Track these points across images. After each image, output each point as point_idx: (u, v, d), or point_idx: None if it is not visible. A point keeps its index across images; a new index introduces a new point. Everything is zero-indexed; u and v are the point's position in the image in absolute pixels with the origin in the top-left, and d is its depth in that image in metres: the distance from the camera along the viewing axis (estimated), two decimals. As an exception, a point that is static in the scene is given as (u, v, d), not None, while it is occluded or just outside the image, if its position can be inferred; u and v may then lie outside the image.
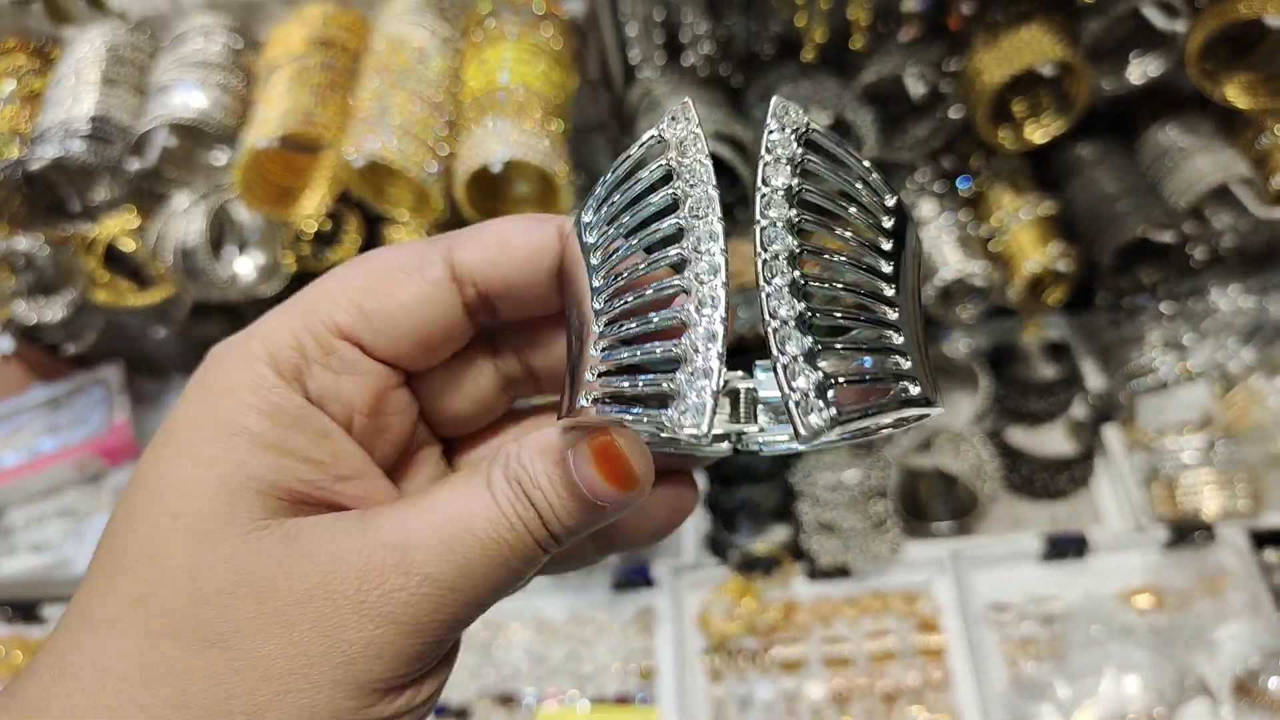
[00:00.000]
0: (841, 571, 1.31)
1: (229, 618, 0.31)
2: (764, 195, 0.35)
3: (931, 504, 1.33)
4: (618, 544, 0.41)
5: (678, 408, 0.33)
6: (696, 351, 0.33)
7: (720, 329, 0.33)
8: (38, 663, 0.32)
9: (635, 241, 0.35)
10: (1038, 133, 1.17)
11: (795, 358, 0.33)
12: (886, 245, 0.37)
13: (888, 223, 0.37)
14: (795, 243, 0.34)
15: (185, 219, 1.14)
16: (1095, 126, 1.32)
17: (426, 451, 0.42)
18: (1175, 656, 1.15)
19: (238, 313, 1.31)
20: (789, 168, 0.35)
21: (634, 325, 0.34)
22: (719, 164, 1.14)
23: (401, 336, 0.36)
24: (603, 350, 0.35)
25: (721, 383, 0.33)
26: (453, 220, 1.12)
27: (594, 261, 0.36)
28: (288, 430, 0.34)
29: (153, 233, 1.13)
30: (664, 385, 0.33)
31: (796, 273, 0.34)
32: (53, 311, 1.24)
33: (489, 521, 0.33)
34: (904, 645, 1.26)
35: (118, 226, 1.14)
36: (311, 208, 1.11)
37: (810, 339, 0.33)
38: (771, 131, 0.35)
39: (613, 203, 0.36)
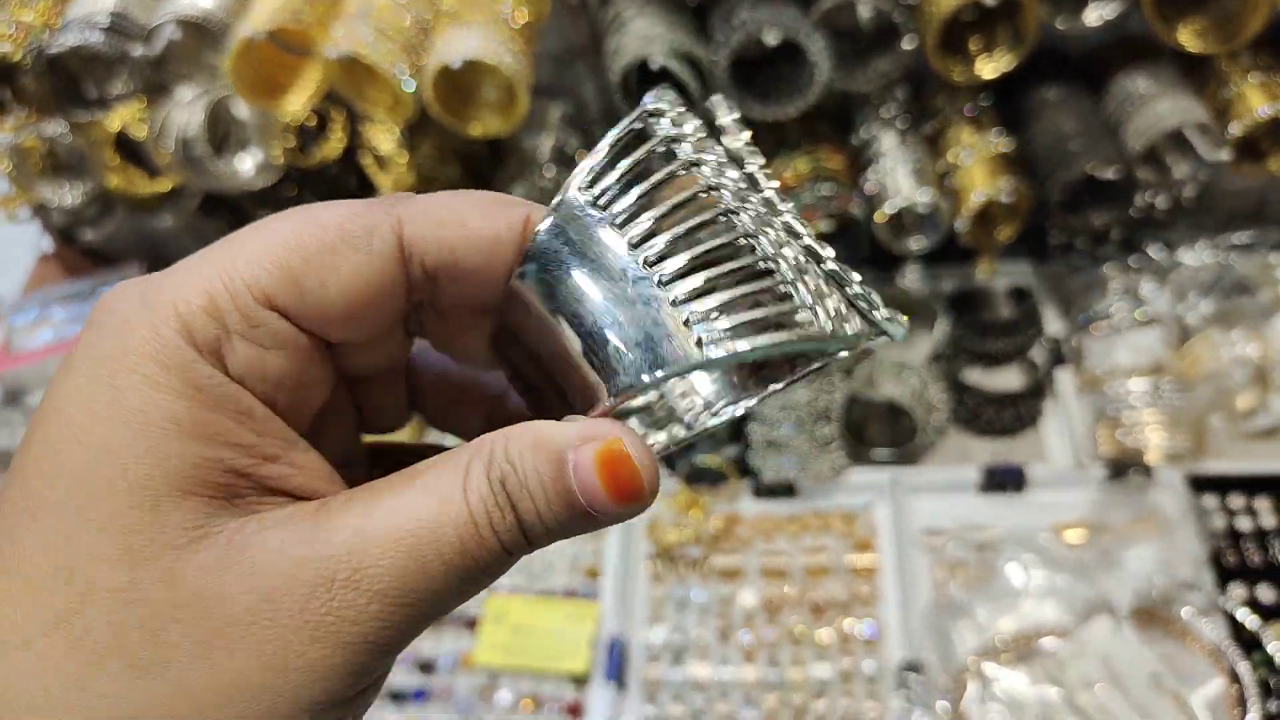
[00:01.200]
0: (786, 490, 1.35)
1: (161, 642, 0.28)
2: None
3: (876, 431, 1.37)
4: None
5: (830, 317, 0.30)
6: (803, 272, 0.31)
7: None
8: None
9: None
10: (988, 67, 1.20)
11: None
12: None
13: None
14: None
15: (187, 110, 1.24)
16: (1067, 75, 1.35)
17: (344, 419, 0.37)
18: (1093, 581, 1.17)
19: (242, 209, 1.41)
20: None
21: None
22: (673, 80, 1.20)
23: (335, 309, 0.31)
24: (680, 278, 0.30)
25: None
26: (423, 121, 1.21)
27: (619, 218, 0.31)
28: (209, 413, 0.29)
29: (157, 121, 1.24)
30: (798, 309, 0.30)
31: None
32: (73, 196, 1.36)
33: (457, 533, 0.29)
34: (838, 563, 1.31)
35: (130, 114, 1.25)
36: (299, 104, 1.21)
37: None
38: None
39: (618, 169, 0.32)
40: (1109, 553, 1.18)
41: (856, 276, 0.32)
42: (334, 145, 1.25)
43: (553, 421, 0.31)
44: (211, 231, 1.56)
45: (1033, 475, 1.30)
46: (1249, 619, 1.15)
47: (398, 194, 0.33)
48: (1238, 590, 1.20)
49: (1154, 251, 1.38)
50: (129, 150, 1.35)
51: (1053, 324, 1.43)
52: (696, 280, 0.30)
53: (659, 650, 1.26)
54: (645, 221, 0.31)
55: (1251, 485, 1.28)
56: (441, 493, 0.30)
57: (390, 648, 0.30)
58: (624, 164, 0.31)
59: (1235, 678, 1.11)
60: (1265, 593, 1.20)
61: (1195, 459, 1.28)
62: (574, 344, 0.31)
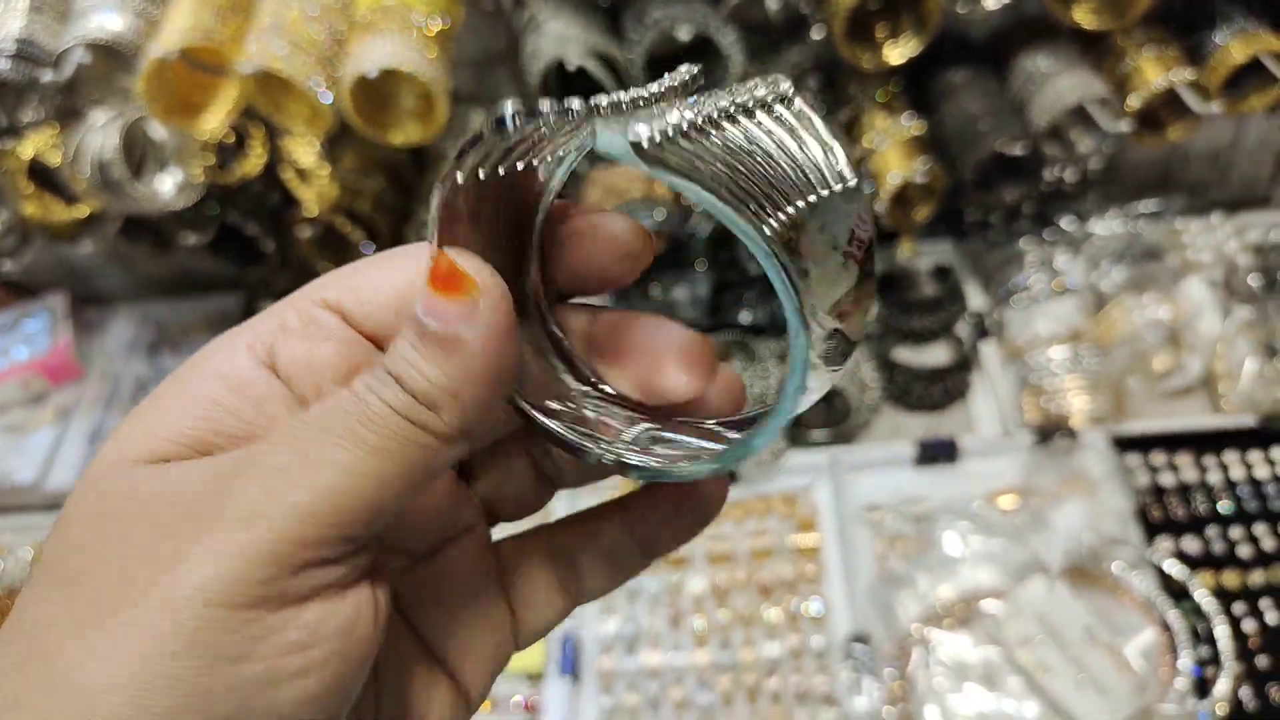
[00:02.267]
0: (730, 476, 1.37)
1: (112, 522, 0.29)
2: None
3: (812, 413, 1.40)
4: (659, 541, 0.38)
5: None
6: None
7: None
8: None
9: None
10: (894, 53, 1.24)
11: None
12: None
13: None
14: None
15: (102, 134, 1.23)
16: (974, 57, 1.40)
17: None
18: (1026, 544, 1.21)
19: (165, 230, 1.40)
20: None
21: None
22: (588, 78, 1.22)
23: (381, 306, 0.33)
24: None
25: None
26: (344, 132, 1.21)
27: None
28: (228, 392, 0.31)
29: (71, 147, 1.23)
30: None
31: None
32: (-13, 227, 1.33)
33: (350, 404, 0.29)
34: (782, 544, 1.33)
35: (43, 141, 1.23)
36: (216, 121, 1.20)
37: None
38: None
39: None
40: (1039, 515, 1.22)
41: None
42: (254, 161, 1.25)
43: None
44: (134, 256, 1.55)
45: (964, 446, 1.33)
46: (1176, 569, 1.20)
47: None
48: (1164, 543, 1.24)
49: (1066, 224, 1.43)
50: (44, 178, 1.32)
51: (975, 299, 1.47)
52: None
53: (612, 641, 1.27)
54: None
55: (1172, 442, 1.33)
56: (336, 399, 0.30)
57: (345, 530, 0.28)
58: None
59: (1166, 627, 1.16)
60: (1190, 544, 1.24)
61: (1117, 420, 1.33)
62: None
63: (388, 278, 0.33)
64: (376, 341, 0.33)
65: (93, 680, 0.26)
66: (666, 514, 0.37)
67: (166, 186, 1.31)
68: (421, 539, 0.37)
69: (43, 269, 1.63)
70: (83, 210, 1.32)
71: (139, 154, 1.31)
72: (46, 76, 1.18)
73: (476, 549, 0.38)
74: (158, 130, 1.28)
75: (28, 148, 1.24)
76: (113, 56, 1.24)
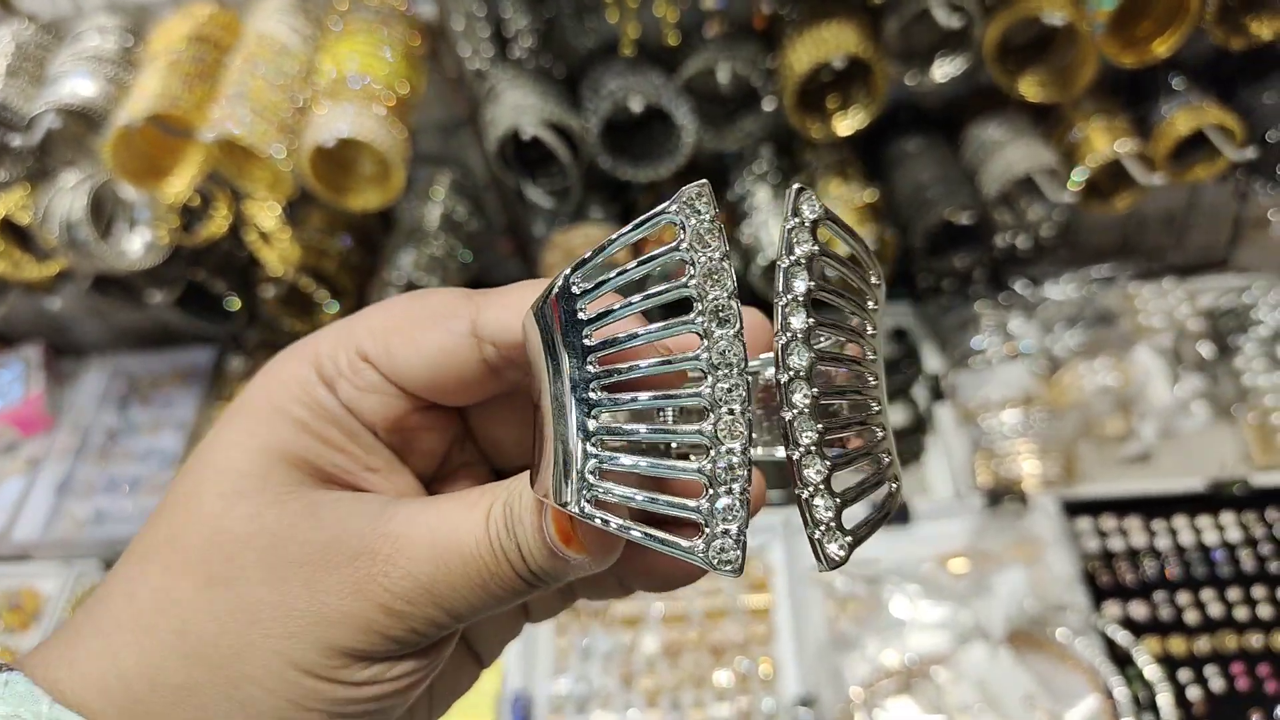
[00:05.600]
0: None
1: (236, 564, 0.36)
2: (785, 304, 0.33)
3: (767, 474, 1.41)
4: (635, 586, 0.44)
5: (708, 542, 0.33)
6: (724, 485, 0.33)
7: (747, 473, 0.33)
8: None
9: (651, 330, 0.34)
10: (843, 124, 1.27)
11: (817, 487, 0.33)
12: (871, 330, 0.37)
13: (872, 303, 0.37)
14: (812, 356, 0.33)
15: (71, 195, 1.26)
16: (928, 126, 1.43)
17: (476, 470, 0.46)
18: (972, 607, 1.22)
19: (135, 286, 1.43)
20: (807, 272, 0.34)
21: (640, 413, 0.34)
22: (542, 146, 1.25)
23: (416, 373, 0.39)
24: (599, 436, 0.34)
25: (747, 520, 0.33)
26: (303, 197, 1.24)
27: (585, 327, 0.34)
28: (326, 424, 0.39)
29: (41, 207, 1.26)
30: (688, 512, 0.33)
31: (815, 390, 0.33)
32: (-40, 283, 1.36)
33: (475, 541, 0.36)
34: (734, 604, 1.34)
35: (14, 201, 1.27)
36: (181, 185, 1.23)
37: (827, 463, 0.33)
38: (792, 228, 0.34)
39: (610, 276, 0.34)
40: (982, 580, 1.23)
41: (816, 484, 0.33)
42: (219, 223, 1.28)
43: None
44: (107, 309, 1.58)
45: (916, 509, 1.35)
46: (1121, 636, 1.21)
47: (486, 290, 0.40)
48: (1112, 609, 1.25)
49: (1020, 288, 1.45)
50: (21, 235, 1.36)
51: (931, 361, 1.49)
52: (616, 444, 0.34)
53: (563, 701, 1.28)
54: (611, 350, 0.34)
55: (1122, 506, 1.34)
56: (472, 511, 0.37)
57: (415, 624, 0.37)
58: (625, 275, 0.34)
59: (1109, 694, 1.16)
60: (1137, 609, 1.25)
61: (1067, 484, 1.34)
62: (539, 405, 0.36)
63: (421, 350, 0.39)
64: (408, 390, 0.40)
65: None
66: (638, 569, 0.42)
67: (135, 246, 1.34)
68: None
69: (21, 319, 1.66)
70: (52, 268, 1.35)
71: (109, 213, 1.34)
72: (16, 141, 1.21)
73: None
74: (127, 191, 1.32)
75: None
76: (85, 120, 1.28)
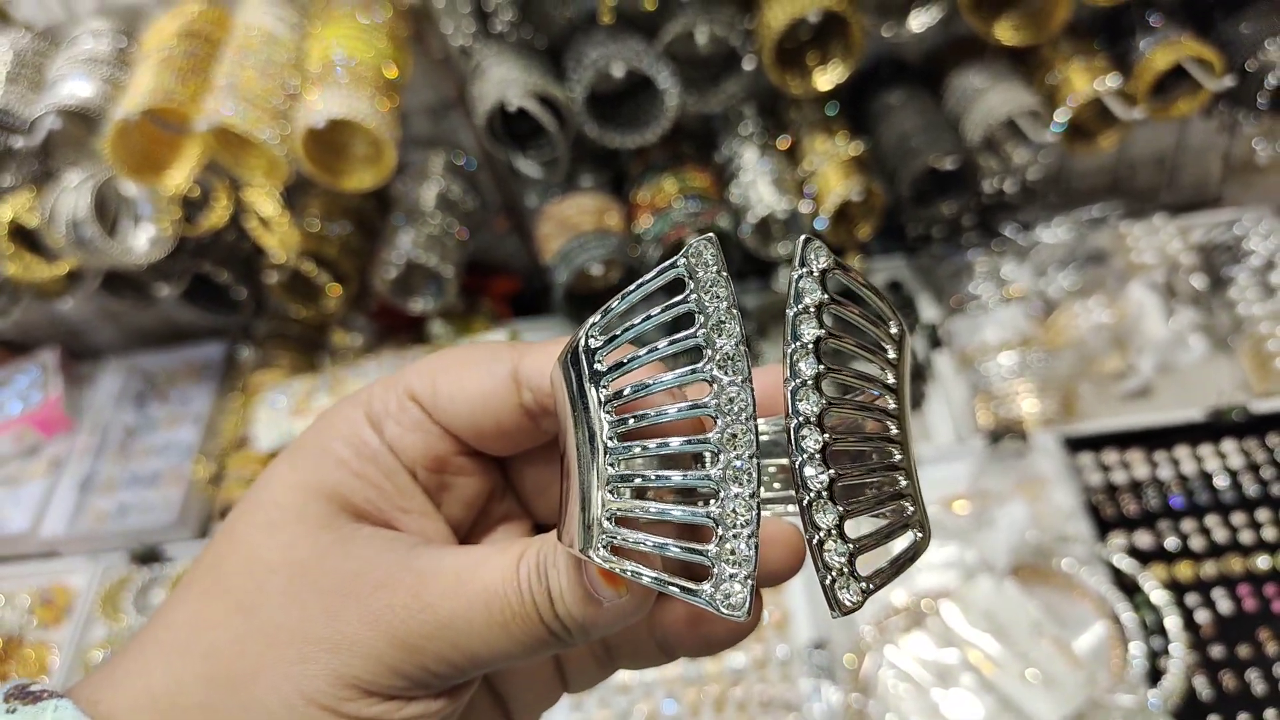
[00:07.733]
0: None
1: (264, 590, 0.38)
2: (793, 350, 0.34)
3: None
4: (677, 650, 0.44)
5: (716, 585, 0.33)
6: (733, 530, 0.33)
7: (754, 517, 0.33)
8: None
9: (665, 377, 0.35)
10: (823, 79, 1.29)
11: (828, 531, 0.33)
12: (891, 379, 0.37)
13: (892, 353, 0.38)
14: (823, 402, 0.34)
15: (75, 194, 1.30)
16: (911, 78, 1.45)
17: (515, 525, 0.47)
18: (975, 543, 1.24)
19: (144, 285, 1.46)
20: (815, 320, 0.34)
21: (654, 463, 0.35)
22: (529, 119, 1.28)
23: (458, 410, 0.41)
24: (615, 484, 0.35)
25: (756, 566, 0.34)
26: (300, 182, 1.27)
27: (602, 378, 0.35)
28: (365, 462, 0.41)
29: (47, 208, 1.30)
30: (699, 556, 0.33)
31: (825, 436, 0.34)
32: (-27, 289, 1.40)
33: (501, 580, 0.37)
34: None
35: (20, 204, 1.30)
36: (180, 177, 1.27)
37: (839, 509, 0.34)
38: (800, 277, 0.35)
39: (626, 327, 0.36)
40: (985, 516, 1.25)
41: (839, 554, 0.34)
42: (220, 213, 1.31)
43: None
44: (118, 309, 1.61)
45: (920, 454, 1.37)
46: (1127, 564, 1.22)
47: (530, 342, 0.43)
48: (1117, 539, 1.27)
49: (1011, 232, 1.47)
50: (28, 238, 1.39)
51: (928, 311, 1.51)
52: (630, 491, 0.35)
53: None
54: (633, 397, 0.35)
55: (1124, 440, 1.35)
56: (504, 556, 0.38)
57: (431, 664, 0.37)
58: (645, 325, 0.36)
59: (1117, 620, 1.18)
60: (1143, 539, 1.27)
61: (1067, 421, 1.36)
62: (565, 454, 0.37)
63: (465, 388, 0.41)
64: (450, 429, 0.42)
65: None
66: (679, 628, 0.43)
67: (140, 241, 1.37)
68: None
69: (37, 326, 1.70)
70: (62, 268, 1.38)
71: (113, 211, 1.38)
72: (19, 143, 1.25)
73: None
74: (129, 187, 1.35)
75: (6, 211, 1.31)
76: (84, 121, 1.31)
